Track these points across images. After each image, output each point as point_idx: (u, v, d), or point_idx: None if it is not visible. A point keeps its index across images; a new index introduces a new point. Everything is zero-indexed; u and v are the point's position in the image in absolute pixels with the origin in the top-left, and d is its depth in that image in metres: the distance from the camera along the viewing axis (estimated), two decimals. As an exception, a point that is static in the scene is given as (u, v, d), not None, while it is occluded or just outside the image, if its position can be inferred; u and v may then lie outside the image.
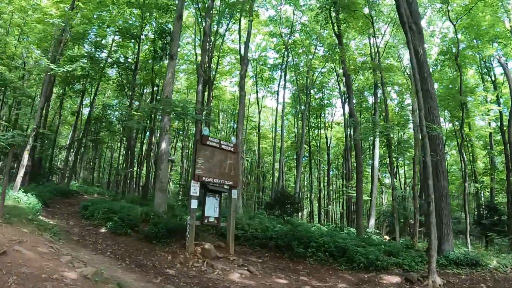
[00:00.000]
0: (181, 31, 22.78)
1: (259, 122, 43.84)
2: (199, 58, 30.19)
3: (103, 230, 15.87)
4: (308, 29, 35.40)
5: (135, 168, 31.47)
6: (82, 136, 34.02)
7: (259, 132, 43.73)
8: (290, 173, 52.65)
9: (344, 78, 23.83)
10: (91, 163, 48.57)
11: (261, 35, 41.29)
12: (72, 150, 34.85)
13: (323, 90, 43.26)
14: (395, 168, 42.75)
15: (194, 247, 12.56)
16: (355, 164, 25.49)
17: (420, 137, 13.96)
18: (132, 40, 30.03)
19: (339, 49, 22.60)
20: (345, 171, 37.88)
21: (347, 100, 35.12)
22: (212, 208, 13.84)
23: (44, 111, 34.19)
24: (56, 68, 17.63)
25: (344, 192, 34.09)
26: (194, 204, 12.81)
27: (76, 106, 38.38)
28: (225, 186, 14.22)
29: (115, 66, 30.37)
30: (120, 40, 30.31)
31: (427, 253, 13.19)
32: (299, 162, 33.87)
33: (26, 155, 17.63)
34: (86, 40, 29.04)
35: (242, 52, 24.81)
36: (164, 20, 29.05)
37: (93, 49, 29.69)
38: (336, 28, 23.35)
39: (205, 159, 13.33)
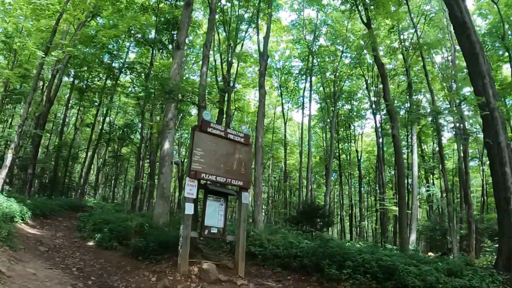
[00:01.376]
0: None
1: (285, 136, 40.34)
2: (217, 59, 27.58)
3: (90, 243, 12.88)
4: (333, 30, 32.18)
5: (145, 179, 28.39)
6: (95, 151, 31.43)
7: (285, 147, 40.22)
8: (319, 190, 48.66)
9: (377, 69, 20.08)
10: (111, 180, 46.09)
11: (284, 44, 38.37)
12: (90, 167, 32.23)
13: (351, 101, 39.59)
14: (431, 180, 38.45)
15: (188, 267, 9.16)
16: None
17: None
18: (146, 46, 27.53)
19: (368, 34, 18.97)
20: (378, 184, 33.78)
21: (379, 99, 31.83)
22: (214, 216, 10.37)
23: (62, 127, 32.12)
24: (46, 57, 14.92)
25: (379, 205, 29.87)
26: (189, 208, 9.45)
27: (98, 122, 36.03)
28: (232, 187, 10.81)
29: (129, 71, 27.77)
30: (134, 45, 27.82)
31: (497, 270, 9.85)
32: (329, 173, 30.19)
33: (9, 155, 14.84)
34: (101, 48, 26.66)
35: (261, 48, 21.94)
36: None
37: (106, 56, 27.24)
38: (364, 15, 20.00)
39: (205, 151, 9.98)
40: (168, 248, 10.54)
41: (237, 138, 10.94)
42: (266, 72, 23.24)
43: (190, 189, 9.58)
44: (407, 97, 28.30)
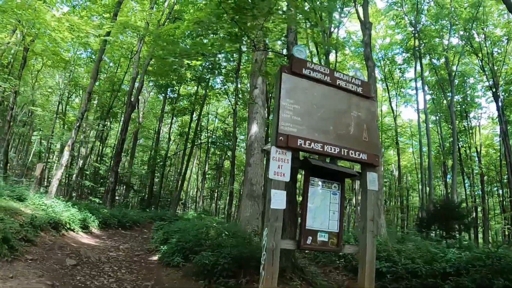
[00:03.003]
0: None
1: (396, 133, 34.41)
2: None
3: (154, 257, 9.33)
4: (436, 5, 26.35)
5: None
6: (189, 160, 28.67)
7: (398, 146, 34.23)
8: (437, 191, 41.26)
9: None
10: (213, 192, 43.70)
11: (382, 31, 33.06)
12: (184, 178, 29.65)
13: (464, 87, 32.50)
14: None
15: (277, 297, 4.83)
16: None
17: None
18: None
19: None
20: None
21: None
22: (323, 213, 5.83)
23: (158, 137, 30.20)
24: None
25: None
26: (277, 200, 5.17)
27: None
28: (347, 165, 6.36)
29: (219, 71, 24.61)
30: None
31: None
32: (454, 167, 23.94)
33: (66, 152, 12.01)
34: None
35: (361, 15, 17.39)
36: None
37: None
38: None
39: (301, 105, 5.64)
40: (249, 267, 6.36)
41: (351, 87, 6.40)
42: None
43: (279, 166, 5.35)
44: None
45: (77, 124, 12.53)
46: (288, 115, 5.50)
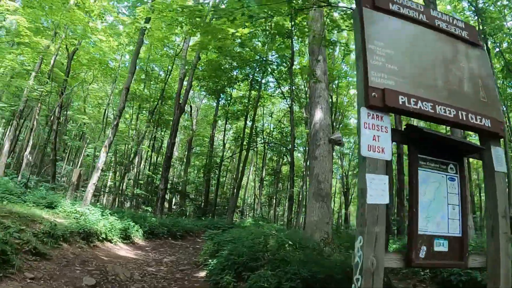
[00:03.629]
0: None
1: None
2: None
3: (201, 273, 7.57)
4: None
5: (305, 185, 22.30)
6: (245, 163, 26.94)
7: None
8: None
9: None
10: (270, 199, 41.68)
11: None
12: (240, 185, 27.94)
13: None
14: None
15: None
16: None
17: None
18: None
19: None
20: None
21: None
22: (440, 210, 3.72)
23: (212, 143, 28.95)
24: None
25: None
26: (375, 189, 3.13)
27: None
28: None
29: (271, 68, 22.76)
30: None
31: None
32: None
33: (102, 154, 10.62)
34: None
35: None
36: None
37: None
38: None
39: (394, 48, 3.58)
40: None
41: (454, 30, 4.29)
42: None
43: (375, 138, 3.30)
44: None
45: (115, 123, 11.14)
46: (380, 63, 3.48)
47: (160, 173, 19.34)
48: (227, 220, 22.67)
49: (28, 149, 13.80)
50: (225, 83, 24.32)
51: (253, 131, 25.12)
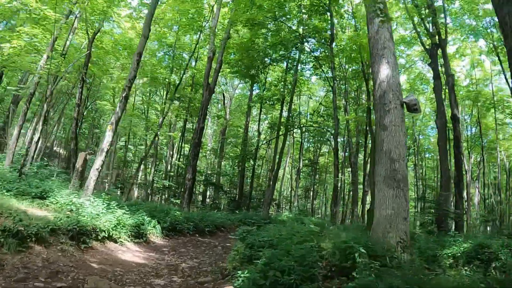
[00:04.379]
0: None
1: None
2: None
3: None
4: None
5: (342, 176, 19.32)
6: (282, 153, 24.41)
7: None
8: None
9: None
10: (309, 191, 39.04)
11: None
12: (276, 177, 25.48)
13: None
14: None
15: None
16: None
17: None
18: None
19: None
20: None
21: None
22: None
23: (246, 133, 26.71)
24: None
25: None
26: None
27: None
28: None
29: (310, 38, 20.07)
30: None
31: None
32: None
33: (108, 133, 8.42)
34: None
35: None
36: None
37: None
38: None
39: None
40: None
41: None
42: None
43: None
44: None
45: (124, 95, 8.88)
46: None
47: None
48: (263, 213, 20.39)
49: (37, 135, 11.93)
50: (259, 65, 21.92)
51: (290, 118, 22.62)
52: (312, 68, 21.06)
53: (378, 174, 6.21)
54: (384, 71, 6.67)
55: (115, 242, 7.00)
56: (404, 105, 6.66)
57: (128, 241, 7.45)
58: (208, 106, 18.42)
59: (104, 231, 6.69)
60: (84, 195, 7.64)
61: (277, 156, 22.01)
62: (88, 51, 16.80)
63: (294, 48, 21.01)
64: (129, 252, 6.84)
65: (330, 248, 5.02)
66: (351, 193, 28.45)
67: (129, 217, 7.92)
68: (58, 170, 15.53)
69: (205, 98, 15.85)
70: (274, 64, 22.14)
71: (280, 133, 22.27)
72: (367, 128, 23.79)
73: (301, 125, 20.63)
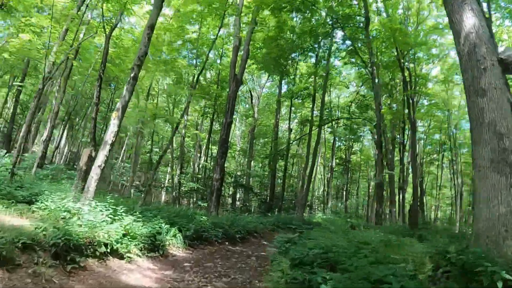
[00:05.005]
0: None
1: None
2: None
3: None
4: None
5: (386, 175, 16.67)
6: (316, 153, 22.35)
7: None
8: None
9: None
10: (342, 191, 36.81)
11: None
12: (310, 177, 23.44)
13: None
14: None
15: None
16: None
17: None
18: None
19: None
20: None
21: None
22: None
23: (276, 135, 24.89)
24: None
25: None
26: None
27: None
28: None
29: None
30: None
31: None
32: None
33: (114, 121, 6.80)
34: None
35: None
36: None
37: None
38: None
39: None
40: None
41: None
42: None
43: None
44: None
45: (132, 75, 7.21)
46: None
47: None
48: (297, 215, 18.56)
49: (45, 134, 10.58)
50: (288, 56, 20.07)
51: (324, 112, 20.65)
52: (347, 55, 18.89)
53: (481, 157, 4.30)
54: (469, 20, 4.79)
55: (121, 258, 5.36)
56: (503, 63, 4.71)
57: (140, 255, 5.80)
58: (236, 102, 16.71)
59: (106, 245, 5.06)
60: (84, 198, 6.07)
61: (311, 153, 20.16)
62: (106, 48, 15.59)
63: (324, 38, 19.14)
64: (138, 272, 5.17)
65: (429, 269, 3.19)
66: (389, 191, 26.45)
67: (142, 226, 6.27)
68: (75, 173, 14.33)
69: (232, 91, 14.18)
70: (305, 54, 20.11)
71: (313, 128, 20.34)
72: (404, 123, 21.68)
73: (337, 118, 18.32)
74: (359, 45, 17.62)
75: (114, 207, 6.16)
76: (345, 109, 18.13)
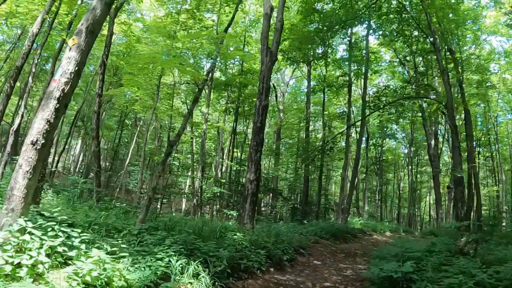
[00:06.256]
0: None
1: None
2: None
3: None
4: None
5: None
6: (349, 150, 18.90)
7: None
8: None
9: None
10: (375, 194, 33.16)
11: None
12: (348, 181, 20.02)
13: None
14: None
15: None
16: None
17: None
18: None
19: None
20: None
21: None
22: None
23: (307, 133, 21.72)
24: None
25: None
26: None
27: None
28: None
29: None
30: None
31: None
32: None
33: (70, 53, 3.61)
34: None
35: None
36: None
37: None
38: None
39: None
40: None
41: None
42: None
43: None
44: None
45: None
46: None
47: (246, 164, 12.40)
48: (341, 223, 15.25)
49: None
50: (320, 39, 16.86)
51: (370, 96, 17.36)
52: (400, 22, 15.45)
53: None
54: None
55: None
56: None
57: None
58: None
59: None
60: (5, 214, 2.92)
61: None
62: (110, 30, 12.96)
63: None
64: None
65: None
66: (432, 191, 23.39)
67: (132, 264, 3.14)
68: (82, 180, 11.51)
69: (266, 66, 10.96)
70: (345, 27, 16.69)
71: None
72: (448, 114, 18.11)
73: (395, 99, 14.43)
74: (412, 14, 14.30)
75: (72, 227, 3.03)
76: (398, 92, 14.70)
